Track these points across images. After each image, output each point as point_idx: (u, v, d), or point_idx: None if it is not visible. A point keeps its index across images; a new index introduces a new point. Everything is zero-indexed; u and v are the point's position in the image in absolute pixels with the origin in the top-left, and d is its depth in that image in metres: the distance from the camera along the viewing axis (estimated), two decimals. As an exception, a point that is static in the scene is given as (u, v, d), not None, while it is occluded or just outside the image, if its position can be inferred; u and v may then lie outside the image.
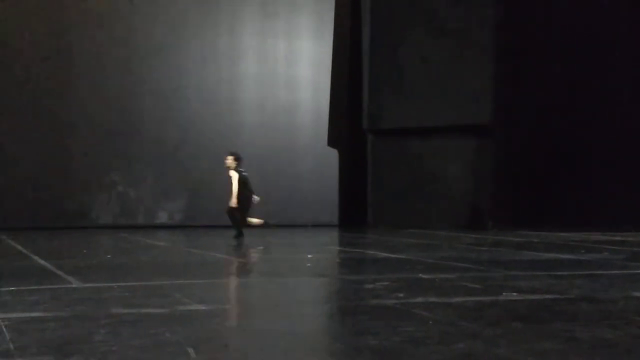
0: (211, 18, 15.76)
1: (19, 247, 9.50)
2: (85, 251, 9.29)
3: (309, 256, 8.61)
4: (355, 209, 16.07)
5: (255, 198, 10.93)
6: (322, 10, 16.37)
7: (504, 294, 5.28)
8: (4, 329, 3.85)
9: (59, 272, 6.56)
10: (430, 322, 4.14)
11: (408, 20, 15.14)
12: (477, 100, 14.41)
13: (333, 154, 16.42)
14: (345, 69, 16.51)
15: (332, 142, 16.39)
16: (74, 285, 5.73)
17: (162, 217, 15.31)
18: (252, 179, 10.57)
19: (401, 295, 5.17)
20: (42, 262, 7.57)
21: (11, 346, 3.47)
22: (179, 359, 3.27)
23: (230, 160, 10.91)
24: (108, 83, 14.87)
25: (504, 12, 14.48)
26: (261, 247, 10.02)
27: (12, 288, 5.42)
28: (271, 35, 16.10)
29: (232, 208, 10.74)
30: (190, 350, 3.39)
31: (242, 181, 10.81)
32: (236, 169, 10.85)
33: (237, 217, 10.89)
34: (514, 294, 5.28)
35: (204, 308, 4.62)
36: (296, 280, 6.54)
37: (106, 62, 14.89)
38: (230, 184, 10.75)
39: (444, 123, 14.75)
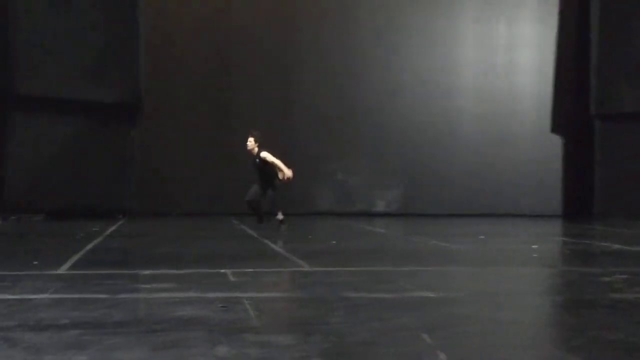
0: (428, 2, 15.67)
1: (250, 231, 10.10)
2: (310, 236, 9.66)
3: (534, 246, 8.28)
4: (580, 198, 15.27)
5: None
6: (546, -9, 15.69)
7: None
8: (248, 307, 4.09)
9: (290, 256, 6.88)
10: (683, 320, 3.80)
11: (641, -4, 14.08)
12: None
13: (556, 141, 15.70)
14: (571, 52, 15.69)
15: (555, 128, 15.67)
16: (305, 269, 5.97)
17: (380, 205, 15.56)
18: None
19: (644, 290, 4.82)
20: (273, 245, 7.98)
21: (256, 323, 3.68)
22: (414, 343, 3.28)
23: (251, 143, 10.09)
24: (328, 73, 15.30)
25: None
26: (482, 237, 9.83)
27: (251, 269, 5.77)
28: (491, 20, 15.69)
29: (279, 183, 9.88)
30: (425, 336, 3.38)
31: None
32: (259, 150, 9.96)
33: (274, 197, 10.00)
34: None
35: (432, 295, 4.60)
36: (524, 270, 6.32)
37: (325, 54, 15.34)
38: (257, 166, 10.04)
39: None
